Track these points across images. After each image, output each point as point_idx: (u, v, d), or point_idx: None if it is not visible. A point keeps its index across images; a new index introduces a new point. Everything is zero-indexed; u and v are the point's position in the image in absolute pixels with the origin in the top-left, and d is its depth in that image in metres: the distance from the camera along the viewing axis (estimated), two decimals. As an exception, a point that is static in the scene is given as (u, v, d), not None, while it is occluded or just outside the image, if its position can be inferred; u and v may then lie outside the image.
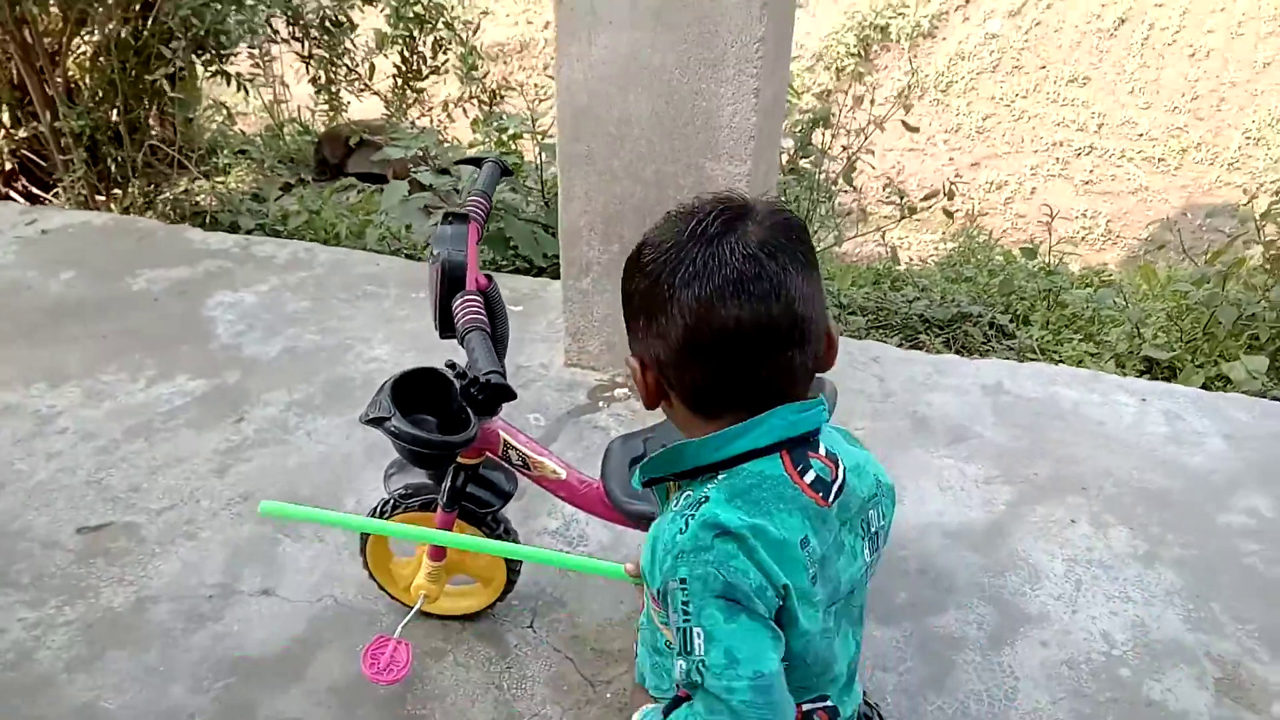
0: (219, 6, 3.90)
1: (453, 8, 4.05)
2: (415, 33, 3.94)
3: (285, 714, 1.98)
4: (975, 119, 9.28)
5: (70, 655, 2.08)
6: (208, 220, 4.03)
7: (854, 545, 1.07)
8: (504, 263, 3.73)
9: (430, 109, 4.48)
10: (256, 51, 4.37)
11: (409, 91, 4.23)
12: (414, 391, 1.81)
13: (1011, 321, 3.81)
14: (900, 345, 3.44)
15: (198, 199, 4.45)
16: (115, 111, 4.14)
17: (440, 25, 3.92)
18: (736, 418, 1.02)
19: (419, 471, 1.95)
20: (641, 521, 1.82)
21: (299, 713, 1.98)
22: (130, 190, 4.14)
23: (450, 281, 1.65)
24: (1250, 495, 2.63)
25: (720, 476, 1.02)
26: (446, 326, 1.69)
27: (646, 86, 2.47)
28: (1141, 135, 9.76)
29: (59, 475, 2.56)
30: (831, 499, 1.03)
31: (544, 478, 1.94)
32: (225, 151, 5.00)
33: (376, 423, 1.73)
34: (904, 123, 3.74)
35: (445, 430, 1.69)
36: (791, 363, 1.01)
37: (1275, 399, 3.15)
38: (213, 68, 4.06)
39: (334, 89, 4.25)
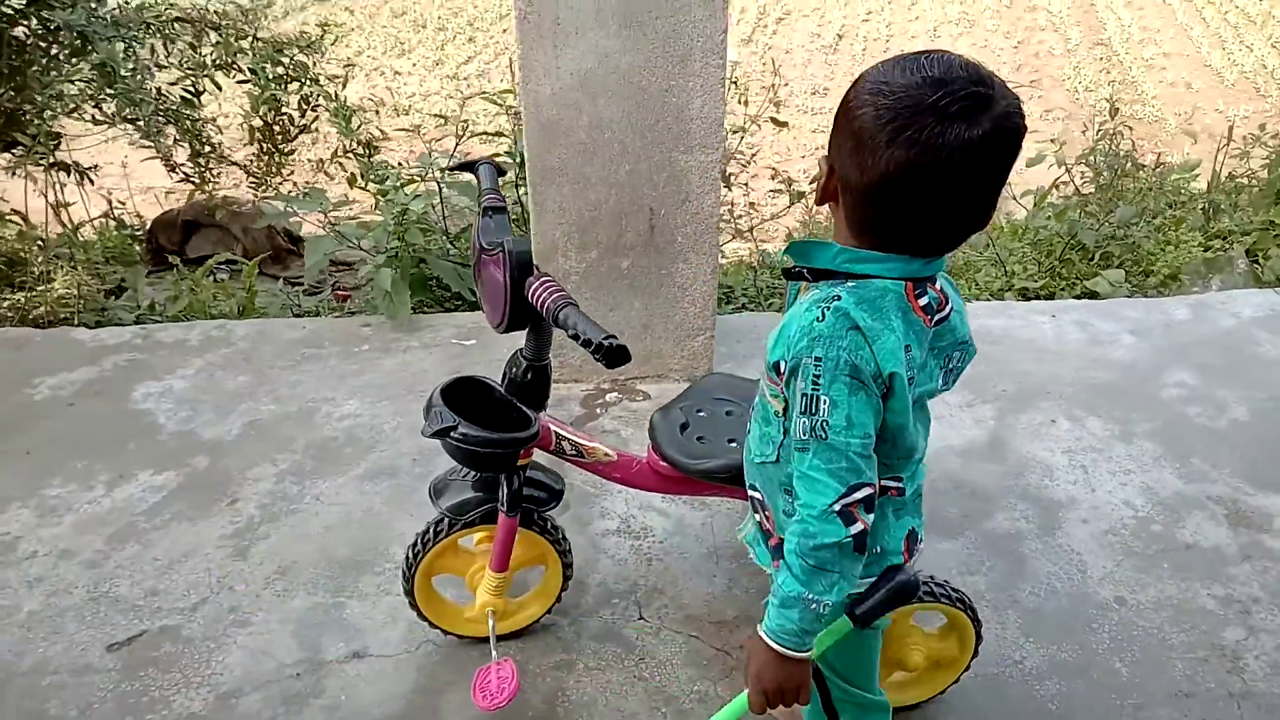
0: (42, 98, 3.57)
1: (315, 64, 3.91)
2: (279, 94, 3.76)
3: (442, 760, 1.87)
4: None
5: (170, 770, 1.86)
6: (74, 322, 3.65)
7: (933, 369, 1.27)
8: (429, 305, 3.65)
9: (290, 174, 4.27)
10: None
11: (276, 157, 4.03)
12: (452, 403, 1.78)
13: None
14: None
15: (34, 310, 4.01)
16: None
17: (307, 81, 3.78)
18: (882, 249, 1.18)
19: (465, 485, 1.92)
20: (710, 479, 1.90)
21: (455, 755, 1.88)
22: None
23: (519, 267, 1.65)
24: (1174, 372, 3.06)
25: (850, 284, 1.19)
26: (517, 316, 1.70)
27: (616, 90, 2.57)
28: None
29: (53, 600, 2.26)
30: (934, 322, 1.22)
31: (598, 463, 1.98)
32: (39, 260, 4.53)
33: (442, 434, 1.72)
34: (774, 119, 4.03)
35: None
36: (957, 238, 1.19)
37: (1148, 297, 3.66)
38: (44, 161, 3.69)
39: (202, 163, 3.95)
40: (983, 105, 1.07)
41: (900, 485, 1.32)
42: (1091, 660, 2.06)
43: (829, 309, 1.16)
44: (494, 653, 1.93)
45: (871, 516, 1.19)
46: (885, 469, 1.28)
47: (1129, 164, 4.10)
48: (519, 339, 1.78)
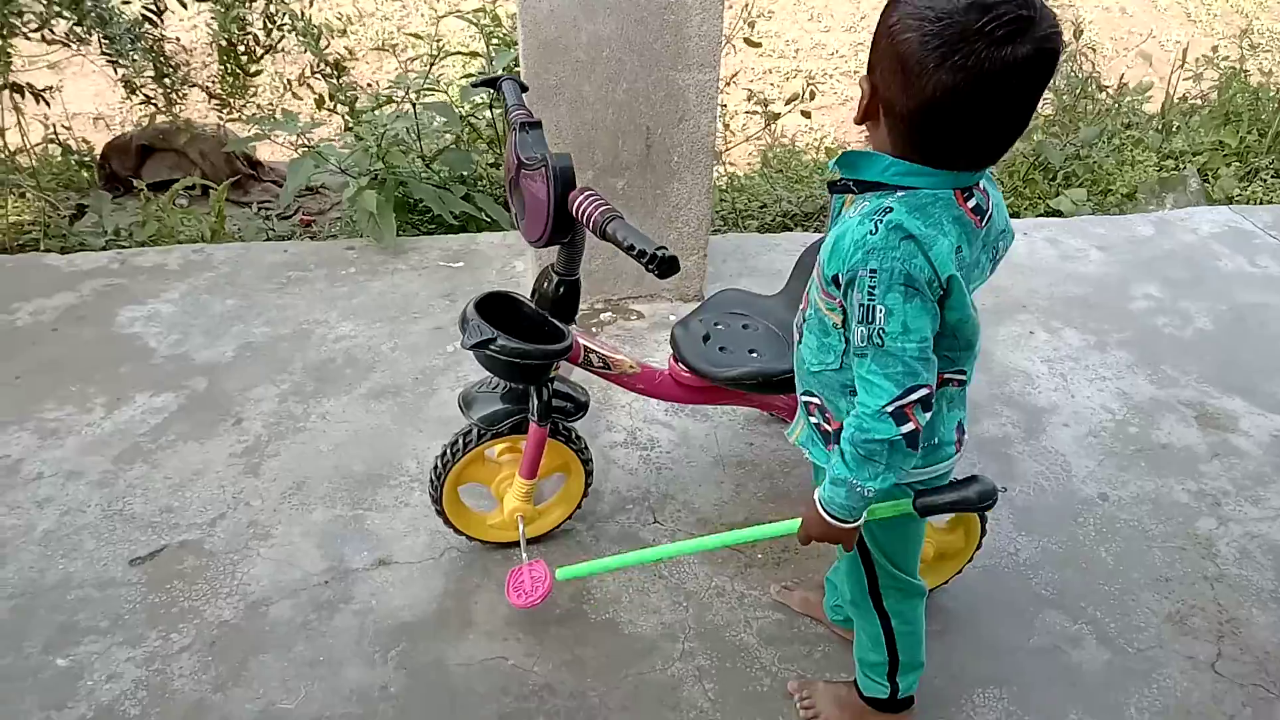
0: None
1: None
2: (244, 12, 3.62)
3: (478, 657, 1.95)
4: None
5: (212, 675, 1.90)
6: (40, 248, 3.55)
7: (985, 263, 1.33)
8: (409, 228, 3.63)
9: (253, 96, 4.14)
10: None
11: (241, 78, 3.90)
12: (485, 317, 1.81)
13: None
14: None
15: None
16: None
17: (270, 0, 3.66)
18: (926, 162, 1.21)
19: (495, 397, 1.96)
20: (737, 386, 1.98)
21: (490, 653, 1.96)
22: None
23: (563, 182, 1.67)
24: (1140, 285, 3.21)
25: (900, 194, 1.21)
26: (559, 230, 1.73)
27: (614, 7, 2.56)
28: (833, 54, 10.82)
29: (66, 519, 2.26)
30: (984, 222, 1.27)
31: (623, 375, 2.05)
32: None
33: (482, 346, 1.75)
34: (747, 41, 4.04)
35: None
36: (1000, 151, 1.23)
37: (1109, 215, 3.80)
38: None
39: (168, 84, 3.80)
40: (1026, 27, 1.08)
41: (963, 376, 1.39)
42: (1079, 551, 2.21)
43: (881, 222, 1.19)
44: (524, 555, 2.01)
45: (928, 415, 1.26)
46: (950, 362, 1.34)
47: (1092, 85, 4.21)
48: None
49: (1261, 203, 4.06)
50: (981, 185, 1.28)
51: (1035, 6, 1.10)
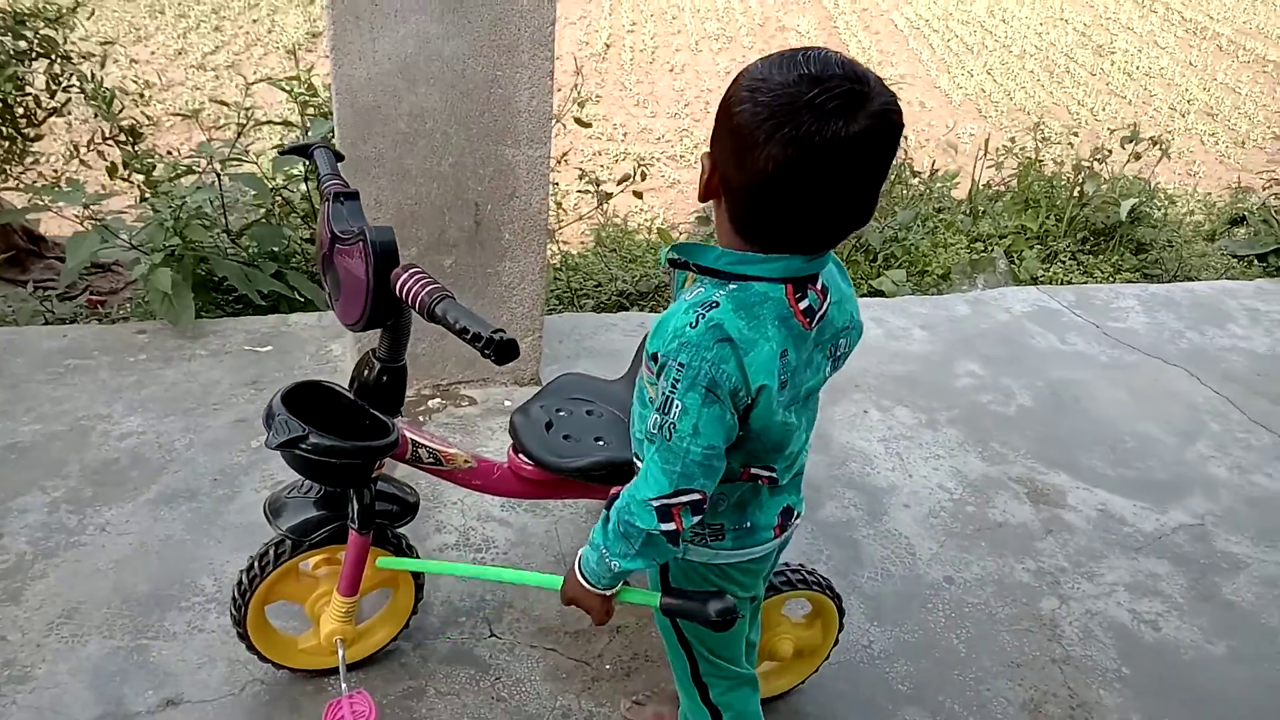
0: None
1: (66, 40, 3.39)
2: (23, 71, 3.22)
3: (286, 813, 1.67)
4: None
5: None
6: None
7: (820, 362, 1.27)
8: (212, 309, 3.31)
9: (34, 164, 3.69)
10: None
11: (19, 143, 3.45)
12: (294, 410, 1.61)
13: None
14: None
15: None
16: None
17: (55, 59, 3.27)
18: (764, 249, 1.15)
19: (308, 503, 1.74)
20: (584, 478, 1.84)
21: (301, 805, 1.69)
22: None
23: (383, 258, 1.51)
24: (963, 362, 3.30)
25: (732, 286, 1.17)
26: (379, 312, 1.57)
27: (438, 78, 2.42)
28: (659, 139, 11.10)
29: None
30: (814, 324, 1.21)
31: (456, 470, 1.87)
32: None
33: (290, 445, 1.54)
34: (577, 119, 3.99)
35: None
36: (838, 234, 1.16)
37: (927, 295, 3.93)
38: None
39: None
40: (859, 102, 1.06)
41: (773, 474, 1.33)
42: (932, 639, 2.16)
43: (703, 317, 1.15)
44: (344, 684, 1.76)
45: (696, 519, 1.22)
46: (758, 460, 1.30)
47: (905, 171, 4.40)
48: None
49: (1063, 283, 4.32)
50: (820, 284, 1.21)
51: (869, 82, 1.08)
